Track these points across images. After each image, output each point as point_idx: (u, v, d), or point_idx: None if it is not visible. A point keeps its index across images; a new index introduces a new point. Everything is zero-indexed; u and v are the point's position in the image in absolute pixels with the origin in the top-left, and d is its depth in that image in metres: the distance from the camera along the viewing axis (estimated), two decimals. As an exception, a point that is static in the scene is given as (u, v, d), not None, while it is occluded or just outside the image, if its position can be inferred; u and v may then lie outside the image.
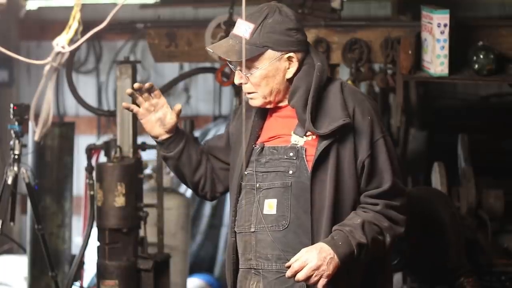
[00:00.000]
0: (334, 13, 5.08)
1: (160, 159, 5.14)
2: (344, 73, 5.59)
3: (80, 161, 6.44)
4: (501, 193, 5.31)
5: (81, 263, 5.55)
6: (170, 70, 7.51)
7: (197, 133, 6.34)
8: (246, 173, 3.14)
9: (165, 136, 3.21)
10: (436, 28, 4.63)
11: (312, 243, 3.01)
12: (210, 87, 7.82)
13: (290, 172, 3.07)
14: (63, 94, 7.85)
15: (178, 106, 3.19)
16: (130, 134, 5.16)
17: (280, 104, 3.16)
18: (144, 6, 7.26)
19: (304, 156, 3.06)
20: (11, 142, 5.16)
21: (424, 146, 6.59)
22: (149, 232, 5.16)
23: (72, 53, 5.14)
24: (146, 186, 5.74)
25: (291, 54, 3.09)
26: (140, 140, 5.30)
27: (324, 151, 3.03)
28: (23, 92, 7.91)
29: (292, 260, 2.96)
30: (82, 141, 6.85)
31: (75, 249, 6.09)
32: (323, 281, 2.93)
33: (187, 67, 7.39)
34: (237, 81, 3.15)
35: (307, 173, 3.05)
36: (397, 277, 5.33)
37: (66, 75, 5.76)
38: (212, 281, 6.97)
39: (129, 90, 3.14)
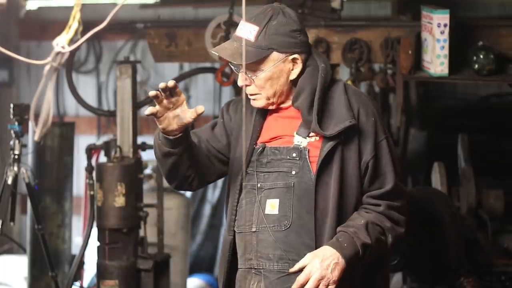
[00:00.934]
0: (334, 13, 5.08)
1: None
2: (344, 73, 5.60)
3: (80, 161, 6.44)
4: (501, 193, 5.31)
5: (81, 263, 5.55)
6: (170, 70, 7.51)
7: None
8: (247, 172, 3.14)
9: (179, 133, 3.07)
10: (436, 28, 4.63)
11: (316, 244, 3.03)
12: (210, 87, 7.81)
13: (293, 172, 3.08)
14: (63, 94, 7.84)
15: (201, 109, 3.02)
16: (130, 134, 5.16)
17: (282, 105, 3.16)
18: (144, 6, 7.26)
19: (307, 157, 3.07)
20: (11, 142, 5.16)
21: (424, 146, 6.59)
22: (149, 232, 5.16)
23: (72, 53, 5.14)
24: (146, 186, 5.74)
25: (296, 55, 3.10)
26: (140, 140, 5.30)
27: (329, 152, 3.04)
28: (23, 92, 7.90)
29: (296, 267, 2.99)
30: (82, 141, 6.85)
31: (75, 249, 6.09)
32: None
33: (187, 67, 7.39)
34: (240, 83, 3.14)
35: (310, 174, 3.05)
36: (397, 277, 5.32)
37: (66, 75, 5.76)
38: (212, 281, 6.98)
39: (153, 92, 2.98)
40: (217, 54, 3.13)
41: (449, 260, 4.53)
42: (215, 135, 3.26)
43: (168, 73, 7.52)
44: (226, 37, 5.18)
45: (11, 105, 5.15)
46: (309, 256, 2.99)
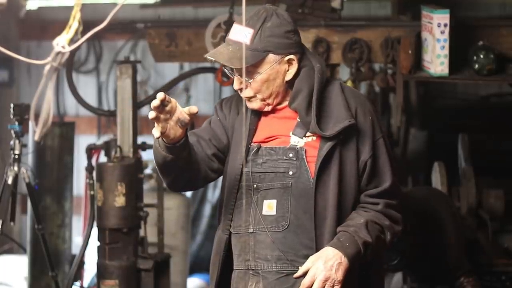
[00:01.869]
0: (334, 13, 5.08)
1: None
2: (344, 73, 5.59)
3: (80, 161, 6.44)
4: (501, 193, 5.31)
5: (81, 263, 5.55)
6: (170, 70, 7.51)
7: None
8: (242, 172, 3.13)
9: (184, 136, 2.98)
10: (436, 28, 4.63)
11: (316, 244, 3.03)
12: (210, 87, 7.82)
13: (290, 173, 3.07)
14: (63, 94, 7.84)
15: (194, 109, 2.92)
16: (130, 134, 5.16)
17: (277, 106, 3.15)
18: (144, 6, 7.26)
19: (305, 157, 3.06)
20: (11, 142, 5.16)
21: (424, 146, 6.60)
22: (149, 232, 5.16)
23: (72, 53, 5.13)
24: (146, 186, 5.74)
25: (291, 56, 3.09)
26: (140, 140, 5.30)
27: (328, 152, 3.04)
28: (23, 92, 7.91)
29: (300, 272, 2.98)
30: (82, 141, 6.85)
31: (75, 249, 6.09)
32: None
33: (187, 67, 7.39)
34: (236, 86, 3.13)
35: (307, 174, 3.05)
36: (397, 277, 5.33)
37: (66, 75, 5.75)
38: (212, 281, 6.97)
39: (153, 114, 2.86)
40: (213, 59, 3.09)
41: (449, 260, 4.53)
42: (216, 135, 3.21)
43: (168, 73, 7.52)
44: (226, 37, 5.17)
45: (11, 105, 5.15)
46: (312, 258, 2.98)
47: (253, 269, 3.12)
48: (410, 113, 6.48)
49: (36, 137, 5.09)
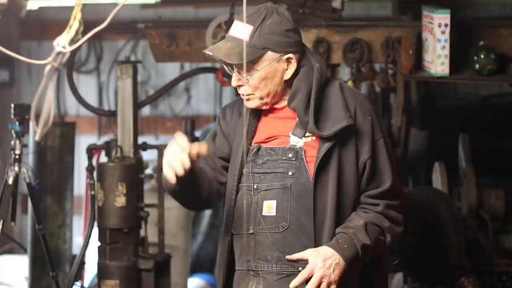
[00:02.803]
0: (335, 13, 5.08)
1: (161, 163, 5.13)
2: (345, 73, 5.60)
3: (81, 161, 6.44)
4: (502, 193, 5.31)
5: (81, 263, 5.55)
6: (171, 70, 7.52)
7: (197, 133, 6.34)
8: (242, 173, 3.13)
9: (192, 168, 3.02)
10: (437, 28, 4.63)
11: (315, 244, 3.02)
12: (211, 87, 7.82)
13: (290, 173, 3.06)
14: (64, 94, 7.85)
15: (203, 151, 3.00)
16: (131, 134, 5.16)
17: (276, 106, 3.15)
18: (145, 6, 7.27)
19: (304, 157, 3.06)
20: (12, 142, 5.16)
21: (424, 146, 6.59)
22: (149, 232, 5.16)
23: (73, 53, 5.13)
24: (147, 186, 5.74)
25: (290, 55, 3.08)
26: (140, 140, 5.30)
27: (326, 152, 3.03)
28: (24, 92, 7.91)
29: (294, 256, 2.99)
30: (83, 141, 6.86)
31: (76, 249, 6.09)
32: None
33: (187, 67, 7.40)
34: (234, 83, 3.13)
35: (307, 174, 3.04)
36: (398, 277, 5.33)
37: (67, 75, 5.75)
38: (213, 281, 6.97)
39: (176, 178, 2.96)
40: (211, 54, 3.09)
41: (450, 260, 4.53)
42: (218, 148, 3.22)
43: (168, 73, 7.53)
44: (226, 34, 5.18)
45: (12, 105, 5.15)
46: (310, 251, 2.98)
47: (254, 270, 3.11)
48: (411, 113, 6.48)
49: (37, 137, 5.06)
